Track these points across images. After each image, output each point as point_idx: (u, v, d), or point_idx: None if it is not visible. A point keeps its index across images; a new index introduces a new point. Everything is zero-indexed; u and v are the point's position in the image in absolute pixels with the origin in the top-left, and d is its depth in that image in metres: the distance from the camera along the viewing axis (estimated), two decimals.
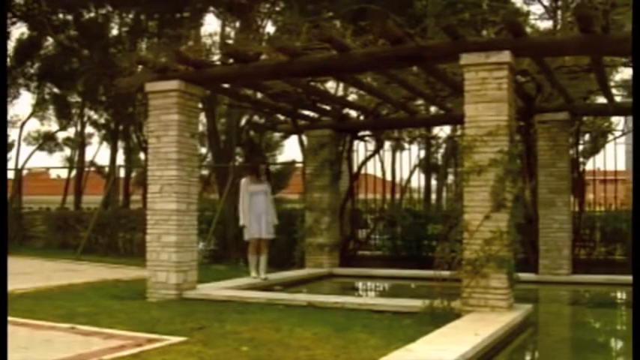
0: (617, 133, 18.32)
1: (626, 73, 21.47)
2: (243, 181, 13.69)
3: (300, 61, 10.90)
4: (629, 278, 14.39)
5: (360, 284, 15.91)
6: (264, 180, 13.70)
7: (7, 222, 11.03)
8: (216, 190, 27.86)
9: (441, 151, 28.04)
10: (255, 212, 13.31)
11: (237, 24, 26.53)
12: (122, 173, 29.78)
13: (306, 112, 16.24)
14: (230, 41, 21.60)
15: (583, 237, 16.79)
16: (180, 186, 11.43)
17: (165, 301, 11.01)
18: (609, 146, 18.37)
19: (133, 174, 33.20)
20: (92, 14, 28.22)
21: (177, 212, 11.35)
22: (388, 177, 23.21)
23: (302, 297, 11.70)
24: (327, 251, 16.12)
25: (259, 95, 15.72)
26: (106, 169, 31.51)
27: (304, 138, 17.01)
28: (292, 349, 7.35)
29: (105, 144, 37.88)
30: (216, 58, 11.98)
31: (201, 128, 29.54)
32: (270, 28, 27.19)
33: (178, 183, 11.40)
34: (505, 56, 9.54)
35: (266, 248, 13.61)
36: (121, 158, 31.99)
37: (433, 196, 27.39)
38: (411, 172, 24.63)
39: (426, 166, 26.03)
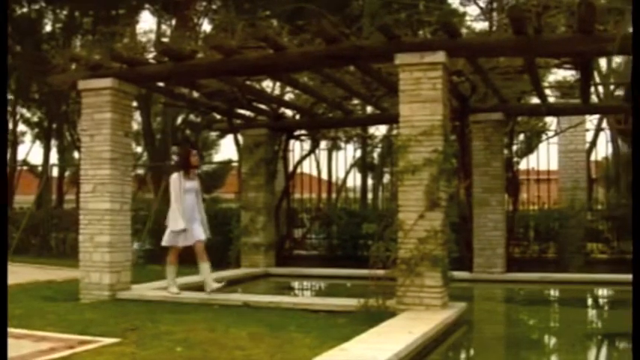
0: (551, 134, 18.59)
1: (559, 75, 21.80)
2: (175, 177, 11.36)
3: (235, 60, 10.85)
4: (561, 276, 14.78)
5: (295, 284, 15.89)
6: (195, 176, 11.71)
7: (7, 222, 10.83)
8: (151, 189, 27.61)
9: (378, 150, 28.16)
10: (189, 214, 11.24)
11: (173, 22, 26.34)
12: (55, 172, 29.37)
13: (242, 111, 16.16)
14: (166, 39, 21.42)
15: (517, 236, 17.03)
16: (113, 185, 11.29)
17: (98, 302, 10.87)
18: (543, 146, 18.61)
19: (67, 173, 32.74)
20: (25, 9, 27.77)
21: (110, 212, 11.21)
22: (324, 176, 23.25)
23: (237, 297, 11.64)
24: (263, 251, 16.08)
25: (195, 94, 15.61)
26: (39, 168, 31.05)
27: (240, 137, 16.92)
28: (227, 349, 7.31)
29: (38, 142, 37.34)
30: (151, 56, 11.85)
31: (136, 127, 29.29)
32: (206, 27, 27.06)
33: (112, 182, 11.26)
34: (439, 56, 9.61)
35: (203, 252, 11.40)
36: (54, 157, 31.57)
37: (370, 196, 27.50)
38: (348, 172, 24.71)
39: (363, 165, 26.15)
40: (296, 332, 8.28)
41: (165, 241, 11.42)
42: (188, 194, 11.31)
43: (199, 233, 11.34)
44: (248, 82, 13.71)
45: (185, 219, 11.13)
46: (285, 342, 7.70)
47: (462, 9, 24.14)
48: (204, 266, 11.34)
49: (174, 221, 11.17)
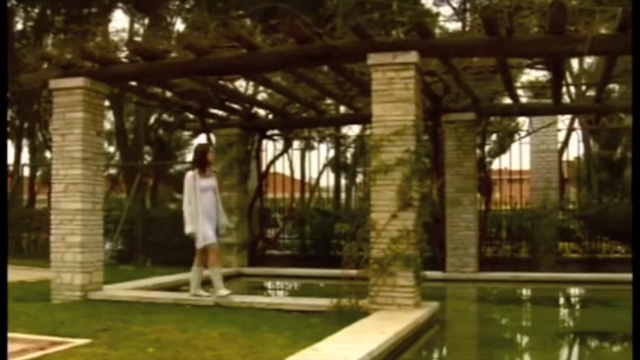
0: (523, 134, 18.69)
1: (531, 75, 21.90)
2: (189, 175, 10.88)
3: (207, 59, 10.83)
4: (533, 275, 14.86)
5: (268, 284, 15.87)
6: (212, 173, 11.17)
7: (7, 222, 10.75)
8: (124, 189, 27.50)
9: (351, 150, 28.20)
10: (208, 214, 10.72)
11: (146, 21, 26.25)
12: (27, 172, 29.17)
13: (215, 111, 16.13)
14: (138, 38, 21.34)
15: (489, 235, 17.10)
16: (85, 185, 11.21)
17: (69, 303, 10.80)
18: (515, 146, 18.70)
19: (39, 173, 32.54)
20: None
21: (82, 212, 11.13)
22: (297, 176, 23.25)
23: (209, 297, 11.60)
24: (236, 251, 16.05)
25: (168, 93, 15.55)
26: (10, 168, 30.83)
27: (213, 137, 16.87)
28: (198, 350, 7.29)
29: (9, 142, 37.06)
30: (123, 55, 11.79)
31: (108, 126, 29.18)
32: (179, 26, 26.97)
33: (83, 182, 11.18)
34: (412, 57, 9.62)
35: (218, 255, 11.02)
36: (25, 157, 31.33)
37: (343, 196, 27.52)
38: (321, 172, 24.72)
39: (336, 165, 26.15)
40: (268, 332, 8.26)
41: (197, 244, 10.82)
42: (205, 193, 10.75)
43: (213, 236, 10.72)
44: (221, 82, 13.67)
45: (199, 220, 10.56)
46: (257, 342, 7.68)
47: (435, 9, 24.23)
48: (215, 271, 10.77)
49: (188, 225, 10.69)
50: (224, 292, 10.64)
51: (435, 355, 8.90)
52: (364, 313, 9.11)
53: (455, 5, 23.45)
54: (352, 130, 24.00)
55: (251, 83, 21.45)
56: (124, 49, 11.93)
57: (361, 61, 10.08)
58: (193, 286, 11.07)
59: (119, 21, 52.30)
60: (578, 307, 13.29)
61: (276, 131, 17.83)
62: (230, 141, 16.36)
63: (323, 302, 9.73)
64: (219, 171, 16.27)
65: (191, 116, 17.01)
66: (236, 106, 15.94)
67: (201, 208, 10.60)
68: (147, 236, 18.72)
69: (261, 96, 19.50)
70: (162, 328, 8.49)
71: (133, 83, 13.44)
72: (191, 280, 11.18)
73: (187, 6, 26.24)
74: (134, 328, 8.51)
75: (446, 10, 30.57)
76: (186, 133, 32.19)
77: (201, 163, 10.91)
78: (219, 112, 16.23)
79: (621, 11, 9.05)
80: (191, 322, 8.90)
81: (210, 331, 8.36)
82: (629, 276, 14.27)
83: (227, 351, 7.24)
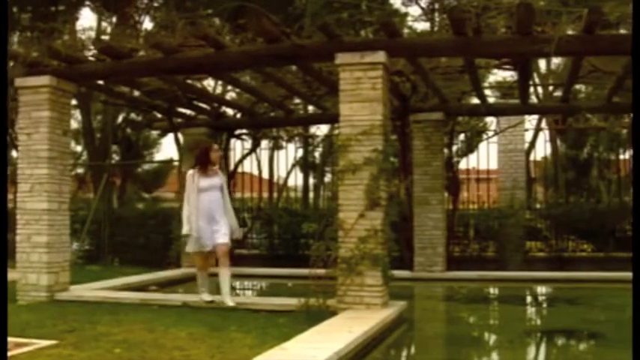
0: (490, 133, 18.78)
1: (499, 75, 22.00)
2: (189, 174, 10.50)
3: (175, 58, 10.78)
4: (500, 274, 14.96)
5: (236, 283, 15.76)
6: (218, 171, 10.71)
7: (7, 223, 10.60)
8: (91, 188, 27.29)
9: (319, 150, 28.15)
10: (207, 215, 10.21)
11: (114, 19, 26.07)
12: None
13: (183, 110, 16.06)
14: (106, 37, 21.20)
15: (457, 234, 17.18)
16: (51, 185, 11.12)
17: (35, 304, 10.72)
18: (483, 146, 18.79)
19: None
20: None
21: (48, 212, 11.04)
22: (265, 175, 23.18)
23: (177, 297, 11.58)
24: None
25: (136, 92, 15.47)
26: None
27: (180, 136, 16.80)
28: (166, 350, 7.26)
29: None
30: (90, 53, 11.71)
31: (76, 125, 28.92)
32: (148, 24, 26.82)
33: (49, 182, 11.09)
34: (380, 56, 9.64)
35: (226, 258, 10.39)
36: None
37: (311, 195, 27.49)
38: (289, 171, 24.64)
39: (304, 164, 26.08)
40: (236, 332, 8.25)
41: (187, 248, 10.59)
42: (205, 193, 10.23)
43: (215, 238, 10.22)
44: (189, 81, 13.63)
45: (196, 222, 10.14)
46: (225, 342, 7.67)
47: (403, 9, 24.22)
48: (223, 273, 10.38)
49: (184, 226, 10.33)
50: (206, 296, 10.50)
51: (403, 354, 8.91)
52: (332, 313, 9.12)
53: (423, 5, 23.46)
54: (321, 130, 23.99)
55: (219, 82, 21.34)
56: (92, 47, 11.86)
57: (329, 60, 10.09)
58: (202, 291, 10.64)
59: (87, 19, 51.99)
60: (545, 305, 13.37)
61: (244, 131, 17.80)
62: (198, 140, 16.26)
63: (291, 302, 9.73)
64: (187, 170, 16.21)
65: (159, 115, 16.93)
66: (204, 106, 15.89)
67: (199, 209, 10.15)
68: (114, 236, 18.61)
69: (230, 95, 19.39)
70: (129, 329, 8.45)
71: (101, 82, 13.35)
72: (199, 287, 10.75)
73: (155, 4, 26.08)
74: (101, 329, 8.46)
75: (414, 11, 30.66)
76: (155, 133, 32.04)
77: (202, 161, 10.47)
78: (187, 112, 16.17)
79: (587, 12, 9.12)
80: (159, 322, 8.86)
81: (178, 331, 8.33)
82: (594, 274, 14.57)
83: (195, 351, 7.22)
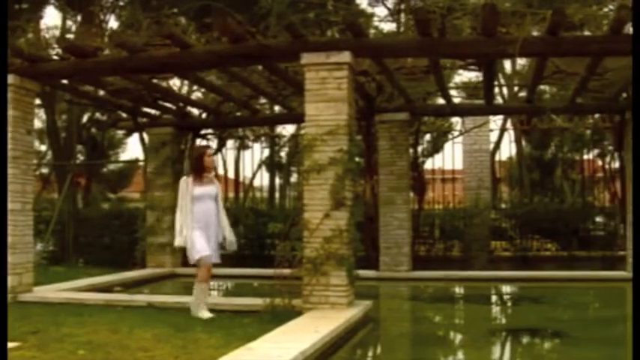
0: (456, 134, 18.88)
1: (464, 76, 22.12)
2: (182, 181, 9.80)
3: (140, 58, 10.72)
4: (466, 274, 15.04)
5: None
6: (213, 179, 10.14)
7: (7, 223, 10.43)
8: (56, 188, 27.09)
9: (286, 149, 28.16)
10: (201, 225, 9.54)
11: (79, 17, 25.88)
12: None
13: (148, 110, 15.98)
14: (70, 35, 21.04)
15: (422, 234, 17.24)
16: (14, 185, 11.00)
17: None
18: (448, 146, 18.90)
19: None
20: None
21: (11, 212, 10.90)
22: (231, 175, 23.16)
23: (142, 298, 11.50)
24: (169, 251, 15.86)
25: (101, 92, 15.36)
26: None
27: (146, 136, 16.71)
28: (130, 351, 7.22)
29: None
30: (54, 52, 11.62)
31: (40, 125, 28.69)
32: (113, 23, 26.65)
33: (13, 182, 10.97)
34: (345, 56, 9.66)
35: (209, 272, 9.79)
36: None
37: (277, 195, 27.48)
38: (255, 171, 24.64)
39: (270, 164, 26.09)
40: (201, 332, 8.22)
41: (190, 260, 9.72)
42: (199, 203, 9.55)
43: (207, 248, 9.52)
44: (154, 80, 13.56)
45: (191, 232, 9.39)
46: (190, 342, 7.64)
47: (370, 10, 24.25)
48: (201, 287, 9.63)
49: (176, 237, 9.61)
50: (204, 313, 9.41)
51: (369, 354, 8.94)
52: (298, 313, 9.13)
53: (390, 6, 23.51)
54: (287, 130, 23.96)
55: (185, 82, 21.27)
56: (56, 46, 11.77)
57: (294, 60, 10.09)
58: (195, 305, 9.59)
59: (51, 17, 51.52)
60: (509, 304, 13.45)
61: (209, 130, 17.74)
62: (163, 140, 16.19)
63: (256, 302, 9.72)
64: (153, 170, 16.15)
65: (124, 115, 16.82)
66: (169, 105, 15.82)
67: (193, 219, 9.44)
68: (79, 237, 18.49)
69: (196, 95, 19.33)
70: (93, 330, 8.39)
71: (65, 81, 13.24)
72: (193, 299, 9.67)
73: (121, 3, 25.91)
74: (65, 330, 8.39)
75: (381, 11, 30.77)
76: (120, 132, 31.88)
77: (196, 168, 9.81)
78: (153, 111, 16.09)
79: (551, 14, 9.19)
80: (123, 323, 8.81)
81: (143, 331, 8.28)
82: (558, 273, 14.69)
83: (160, 352, 7.19)
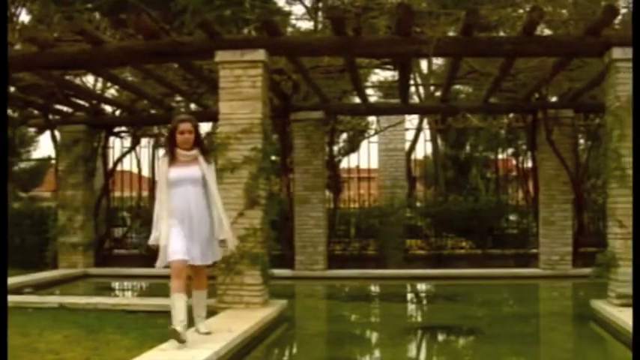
0: (371, 132, 18.97)
1: (380, 75, 22.21)
2: (160, 162, 7.76)
3: (51, 53, 10.52)
4: (381, 272, 15.13)
5: (115, 284, 15.51)
6: (198, 157, 7.53)
7: (7, 223, 9.96)
8: None
9: None
10: (179, 217, 7.33)
11: None
12: None
13: (60, 107, 15.67)
14: None
15: (338, 233, 17.28)
16: None
17: None
18: (364, 145, 18.98)
19: None
20: None
21: None
22: (146, 174, 22.90)
23: (53, 299, 11.26)
24: (82, 251, 15.63)
25: (11, 88, 15.00)
26: None
27: (57, 133, 16.39)
28: (40, 354, 7.11)
29: None
30: None
31: None
32: (24, 17, 26.08)
33: None
34: (260, 55, 9.64)
35: (204, 278, 7.78)
36: None
37: None
38: None
39: None
40: (114, 334, 8.13)
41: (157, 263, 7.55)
42: (176, 188, 7.36)
43: (192, 251, 7.35)
44: (67, 77, 13.31)
45: (166, 226, 7.28)
46: (102, 344, 7.55)
47: (287, 8, 24.19)
48: (199, 296, 7.83)
49: (152, 233, 7.55)
50: (179, 328, 6.94)
51: (284, 353, 8.91)
52: (212, 313, 9.04)
53: (307, 4, 23.52)
54: (202, 128, 23.77)
55: (99, 79, 20.94)
56: None
57: (209, 58, 10.04)
58: (178, 322, 7.08)
59: None
60: (425, 302, 13.58)
61: (123, 128, 17.52)
62: (75, 138, 15.89)
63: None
64: (64, 169, 15.84)
65: (35, 112, 16.47)
66: (82, 102, 15.55)
67: (169, 209, 7.34)
68: None
69: (110, 92, 19.03)
70: None
71: None
72: (173, 315, 7.22)
73: None
74: None
75: (299, 9, 30.78)
76: (31, 130, 31.28)
77: (168, 147, 7.59)
78: (65, 108, 15.79)
79: (465, 15, 9.29)
80: (33, 326, 8.64)
81: (53, 334, 8.13)
82: (473, 271, 14.89)
83: (70, 354, 7.09)
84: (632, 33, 8.71)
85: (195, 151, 7.48)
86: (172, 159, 7.45)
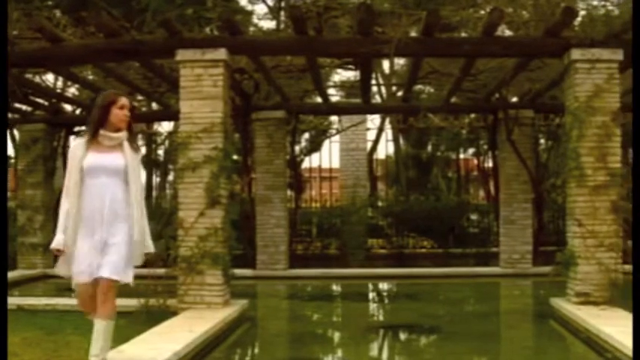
0: (333, 132, 19.00)
1: (342, 75, 22.27)
2: (75, 145, 6.22)
3: (8, 51, 10.38)
4: (343, 271, 15.16)
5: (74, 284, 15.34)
6: (125, 143, 6.04)
7: (7, 223, 9.75)
8: None
9: (163, 147, 27.87)
10: (91, 221, 5.81)
11: None
12: None
13: (19, 105, 15.50)
14: None
15: (300, 232, 17.29)
16: None
17: None
18: (326, 144, 19.01)
19: None
20: None
21: None
22: None
23: (11, 300, 11.09)
24: (41, 251, 15.44)
25: None
26: None
27: (16, 132, 16.22)
28: None
29: None
30: None
31: None
32: None
33: None
34: (221, 54, 9.61)
35: (110, 296, 6.11)
36: None
37: (155, 193, 27.17)
38: None
39: (148, 162, 25.75)
40: (73, 335, 8.06)
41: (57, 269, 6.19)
42: (90, 179, 5.84)
43: (93, 265, 5.85)
44: (28, 75, 13.18)
45: (72, 229, 5.82)
46: (61, 346, 7.50)
47: (250, 7, 24.18)
48: (100, 323, 6.08)
49: (57, 233, 5.95)
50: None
51: (245, 353, 8.88)
52: (173, 313, 9.04)
53: (270, 3, 23.50)
54: (164, 127, 23.65)
55: (60, 77, 20.77)
56: None
57: (170, 57, 9.98)
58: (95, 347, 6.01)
59: None
60: (386, 301, 13.60)
61: (84, 127, 17.36)
62: (35, 137, 15.71)
63: (130, 302, 9.50)
64: (24, 168, 15.68)
65: None
66: (42, 101, 15.40)
67: (80, 206, 5.84)
68: None
69: (71, 91, 18.86)
70: None
71: None
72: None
73: None
74: None
75: (261, 9, 30.73)
76: None
77: (96, 123, 5.97)
78: (24, 107, 15.62)
79: (425, 15, 9.34)
80: None
81: (12, 336, 7.99)
82: (434, 270, 14.97)
83: (29, 356, 7.05)
84: (632, 33, 8.77)
85: (124, 133, 6.02)
86: (91, 141, 5.94)
